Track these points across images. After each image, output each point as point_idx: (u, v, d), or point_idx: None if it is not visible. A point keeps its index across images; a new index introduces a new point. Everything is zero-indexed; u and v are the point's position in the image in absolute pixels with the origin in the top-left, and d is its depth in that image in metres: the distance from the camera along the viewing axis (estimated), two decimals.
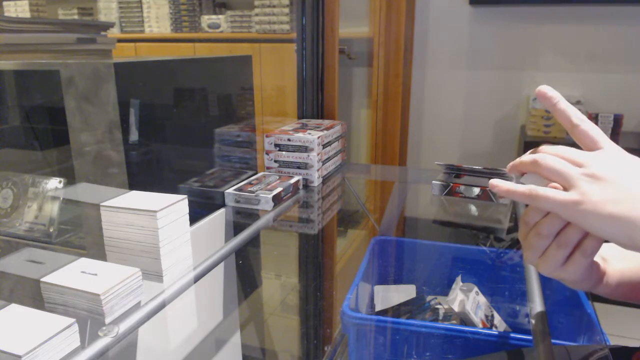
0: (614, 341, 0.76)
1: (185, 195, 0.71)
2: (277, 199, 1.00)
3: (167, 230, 0.68)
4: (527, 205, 0.51)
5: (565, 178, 0.46)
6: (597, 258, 0.54)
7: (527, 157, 0.50)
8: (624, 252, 0.61)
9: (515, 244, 1.28)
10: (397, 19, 2.24)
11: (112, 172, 0.76)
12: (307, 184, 1.15)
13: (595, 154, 0.48)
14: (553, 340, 0.63)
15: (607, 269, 0.57)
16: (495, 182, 0.50)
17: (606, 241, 0.48)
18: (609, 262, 0.58)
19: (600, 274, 0.55)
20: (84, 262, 0.64)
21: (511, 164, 0.52)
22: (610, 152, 0.48)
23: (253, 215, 0.99)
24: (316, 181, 1.15)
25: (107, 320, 0.58)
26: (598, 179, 0.45)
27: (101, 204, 0.69)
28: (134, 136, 0.76)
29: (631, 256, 0.60)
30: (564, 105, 0.50)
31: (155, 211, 0.66)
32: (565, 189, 0.46)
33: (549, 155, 0.48)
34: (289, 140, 1.14)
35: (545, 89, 0.51)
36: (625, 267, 0.59)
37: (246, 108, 1.10)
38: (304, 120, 1.36)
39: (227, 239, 0.93)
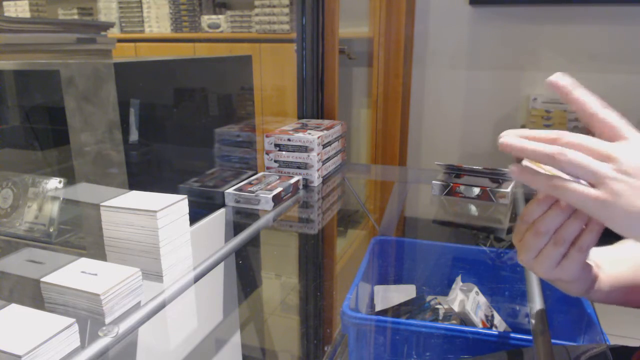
0: (614, 341, 0.76)
1: (185, 195, 0.71)
2: (277, 199, 1.00)
3: (167, 230, 0.68)
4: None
5: (594, 175, 0.42)
6: (589, 263, 0.54)
7: (543, 148, 0.44)
8: (616, 257, 0.61)
9: None
10: (397, 19, 2.24)
11: (112, 172, 0.76)
12: (307, 184, 1.15)
13: (622, 146, 0.43)
14: (553, 340, 0.63)
15: (599, 274, 0.56)
16: (514, 167, 0.48)
17: (603, 240, 0.48)
18: (601, 268, 0.58)
19: (594, 277, 0.55)
20: (84, 262, 0.64)
21: (516, 145, 0.47)
22: (637, 143, 0.44)
23: (253, 215, 0.99)
24: (316, 181, 1.15)
25: (107, 320, 0.58)
26: (629, 175, 0.42)
27: (101, 204, 0.69)
28: (134, 136, 0.76)
29: (623, 261, 0.60)
30: (579, 93, 0.45)
31: (155, 211, 0.66)
32: (591, 184, 0.43)
33: (570, 150, 0.43)
34: (289, 140, 1.14)
35: (557, 77, 0.45)
36: (618, 271, 0.59)
37: (246, 108, 1.10)
38: (304, 120, 1.36)
39: (227, 239, 0.93)
